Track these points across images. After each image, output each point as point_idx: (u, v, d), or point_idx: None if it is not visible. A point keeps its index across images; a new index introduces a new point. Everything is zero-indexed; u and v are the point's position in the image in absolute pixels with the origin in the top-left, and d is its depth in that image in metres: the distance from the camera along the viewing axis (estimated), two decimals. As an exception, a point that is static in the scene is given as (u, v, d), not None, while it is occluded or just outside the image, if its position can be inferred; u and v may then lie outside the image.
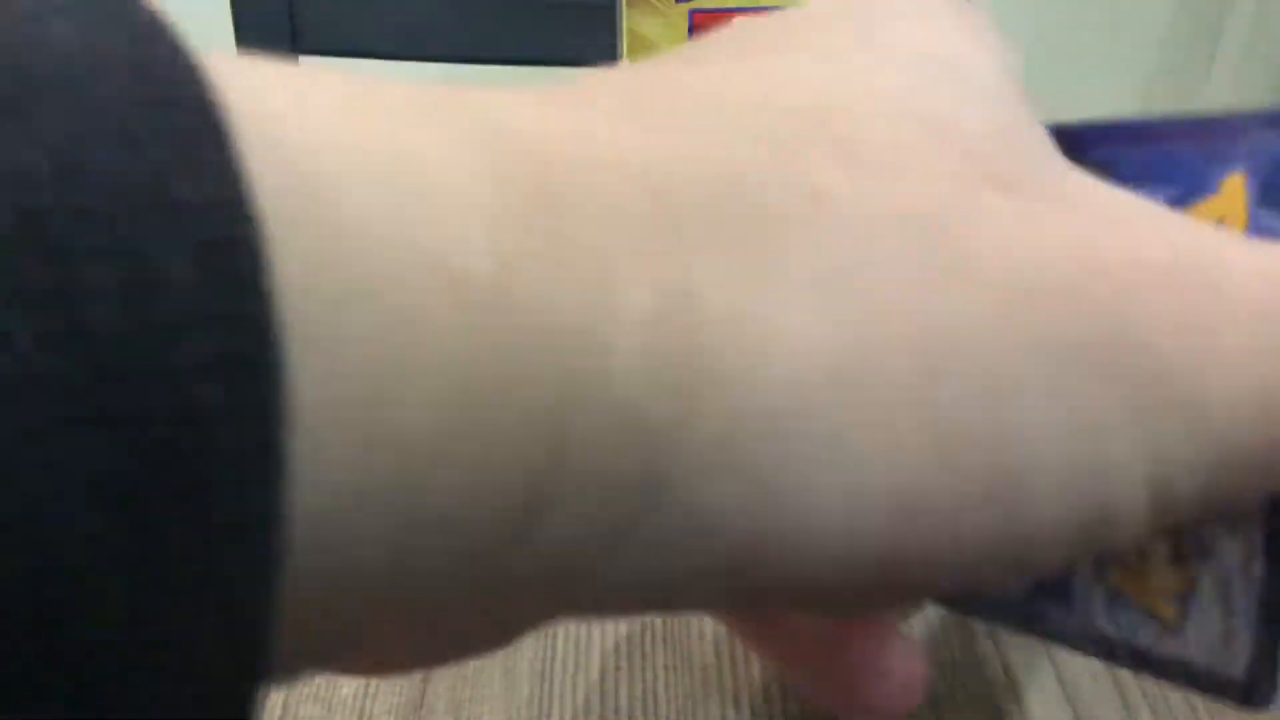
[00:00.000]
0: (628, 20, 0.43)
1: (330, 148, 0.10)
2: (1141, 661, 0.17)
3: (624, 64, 0.15)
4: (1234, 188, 0.17)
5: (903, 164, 0.13)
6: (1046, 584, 0.19)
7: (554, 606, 0.13)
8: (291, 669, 0.11)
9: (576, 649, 0.28)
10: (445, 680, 0.27)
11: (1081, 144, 0.18)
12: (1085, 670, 0.27)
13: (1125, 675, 0.27)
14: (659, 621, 0.28)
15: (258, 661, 0.09)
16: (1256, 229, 0.17)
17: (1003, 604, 0.20)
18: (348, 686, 0.28)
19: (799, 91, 0.14)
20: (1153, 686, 0.27)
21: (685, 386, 0.11)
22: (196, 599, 0.09)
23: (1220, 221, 0.17)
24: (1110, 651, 0.18)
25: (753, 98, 0.14)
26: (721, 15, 0.44)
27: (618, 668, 0.27)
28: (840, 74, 0.14)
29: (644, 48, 0.44)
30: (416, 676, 0.28)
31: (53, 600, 0.08)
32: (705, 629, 0.28)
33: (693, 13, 0.44)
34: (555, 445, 0.11)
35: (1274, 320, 0.13)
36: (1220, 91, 1.39)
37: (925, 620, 0.28)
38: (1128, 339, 0.13)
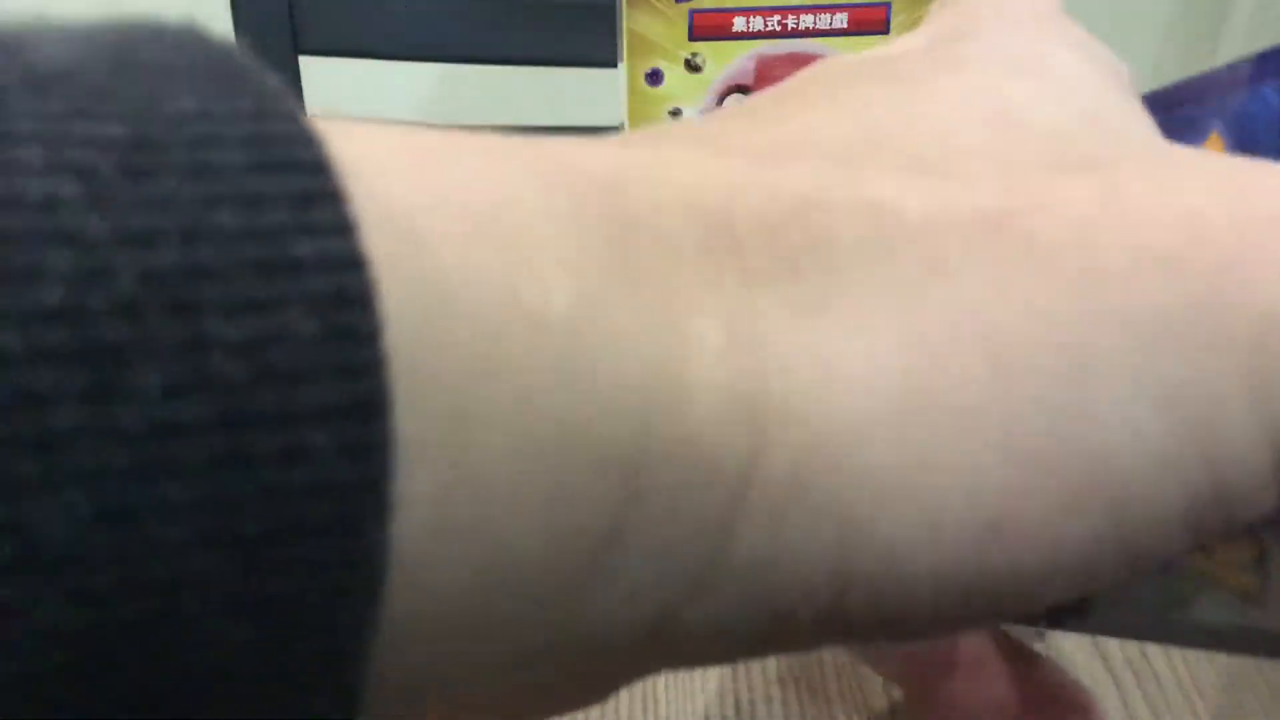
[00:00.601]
0: (628, 20, 0.43)
1: (426, 202, 0.10)
2: (1231, 640, 0.17)
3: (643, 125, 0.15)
4: (1214, 147, 0.17)
5: (968, 166, 0.13)
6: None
7: (645, 658, 0.13)
8: (370, 713, 0.11)
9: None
10: (445, 680, 0.27)
11: None
12: (1085, 670, 0.27)
13: (1125, 674, 0.27)
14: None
15: (355, 698, 0.10)
16: None
17: (1064, 613, 0.19)
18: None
19: (871, 115, 0.14)
20: (1153, 686, 0.27)
21: (755, 423, 0.11)
22: (302, 635, 0.09)
23: None
24: (1194, 637, 0.18)
25: (824, 126, 0.14)
26: (722, 15, 0.44)
27: (618, 668, 0.27)
28: (913, 92, 0.14)
29: (644, 48, 0.44)
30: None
31: (168, 636, 0.08)
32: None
33: (693, 13, 0.44)
34: (631, 482, 0.11)
35: None
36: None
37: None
38: (1233, 302, 0.12)
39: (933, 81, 0.14)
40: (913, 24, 0.46)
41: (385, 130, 0.11)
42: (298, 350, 0.09)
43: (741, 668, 0.27)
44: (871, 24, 0.45)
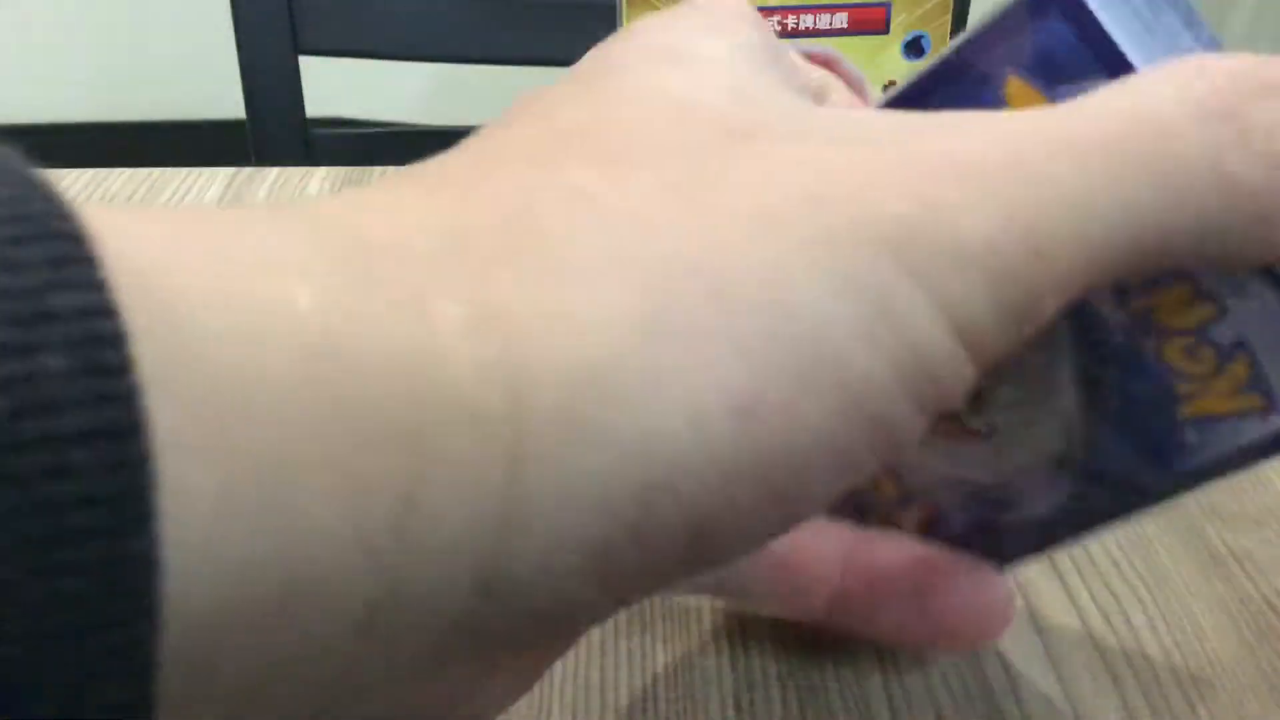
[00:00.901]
0: (628, 20, 0.43)
1: (177, 261, 0.12)
2: (1261, 454, 0.19)
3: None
4: (1018, 90, 0.19)
5: (647, 150, 0.16)
6: (1112, 468, 0.20)
7: (488, 616, 0.14)
8: (197, 703, 0.12)
9: (576, 648, 0.28)
10: (445, 680, 0.27)
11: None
12: (1085, 670, 0.27)
13: (1125, 674, 0.27)
14: (659, 621, 0.28)
15: (147, 686, 0.11)
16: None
17: (1095, 503, 0.21)
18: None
19: (560, 117, 0.17)
20: (1154, 686, 0.27)
21: (511, 378, 0.13)
22: (92, 629, 0.11)
23: None
24: (1228, 467, 0.19)
25: (526, 139, 0.17)
26: (721, 15, 0.44)
27: (618, 667, 0.27)
28: (589, 94, 0.17)
29: (644, 48, 0.44)
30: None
31: None
32: (705, 628, 0.28)
33: (693, 13, 0.44)
34: (416, 449, 0.13)
35: (995, 169, 0.15)
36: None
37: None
38: (878, 219, 0.15)
39: (603, 82, 0.17)
40: (913, 23, 0.46)
41: (141, 208, 0.13)
42: (57, 385, 0.11)
43: (742, 667, 0.27)
44: (871, 24, 0.45)
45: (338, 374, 0.12)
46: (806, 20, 0.45)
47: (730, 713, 0.26)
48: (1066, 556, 0.31)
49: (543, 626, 0.15)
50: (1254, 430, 0.18)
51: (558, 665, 0.27)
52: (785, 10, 0.44)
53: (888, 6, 0.45)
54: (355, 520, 0.12)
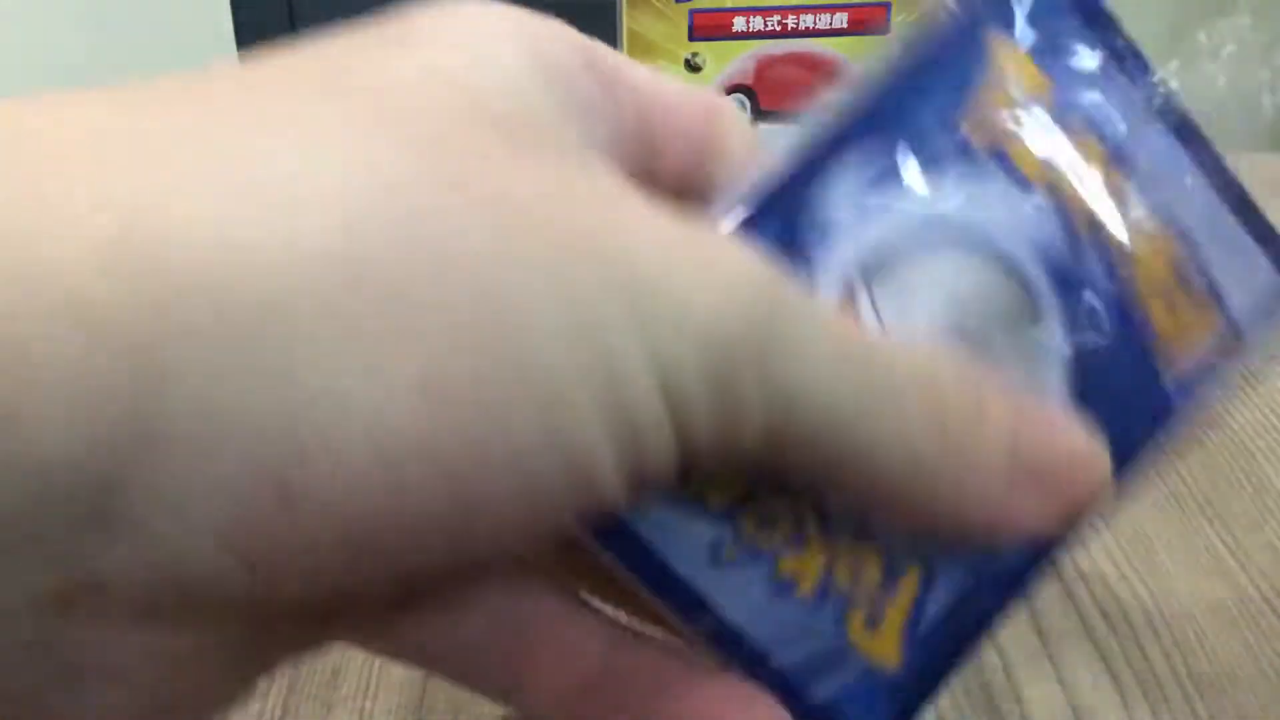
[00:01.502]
0: (628, 20, 0.43)
1: None
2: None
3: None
4: (1006, 55, 0.18)
5: (416, 109, 0.15)
6: None
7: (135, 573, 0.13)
8: None
9: (577, 649, 0.28)
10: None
11: (837, 145, 0.19)
12: (1085, 670, 0.27)
13: (1125, 674, 0.27)
14: (659, 621, 0.28)
15: None
16: (1061, 75, 0.18)
17: None
18: (347, 686, 0.28)
19: (333, 53, 0.16)
20: (1153, 686, 0.27)
21: (162, 297, 0.12)
22: None
23: (1030, 90, 0.18)
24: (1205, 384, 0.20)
25: (292, 70, 0.15)
26: (722, 15, 0.44)
27: (618, 668, 0.27)
28: (375, 48, 0.16)
29: (644, 48, 0.44)
30: (417, 676, 0.28)
31: None
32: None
33: (693, 13, 0.44)
34: (8, 338, 0.12)
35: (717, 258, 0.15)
36: (1220, 91, 1.39)
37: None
38: (617, 256, 0.15)
39: (393, 44, 0.16)
40: (913, 23, 0.46)
41: None
42: None
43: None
44: (871, 23, 0.45)
45: None
46: (806, 20, 0.45)
47: (730, 713, 0.26)
48: (1066, 558, 0.31)
49: (166, 588, 0.14)
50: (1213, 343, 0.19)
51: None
52: (785, 10, 0.44)
53: (888, 6, 0.45)
54: None
